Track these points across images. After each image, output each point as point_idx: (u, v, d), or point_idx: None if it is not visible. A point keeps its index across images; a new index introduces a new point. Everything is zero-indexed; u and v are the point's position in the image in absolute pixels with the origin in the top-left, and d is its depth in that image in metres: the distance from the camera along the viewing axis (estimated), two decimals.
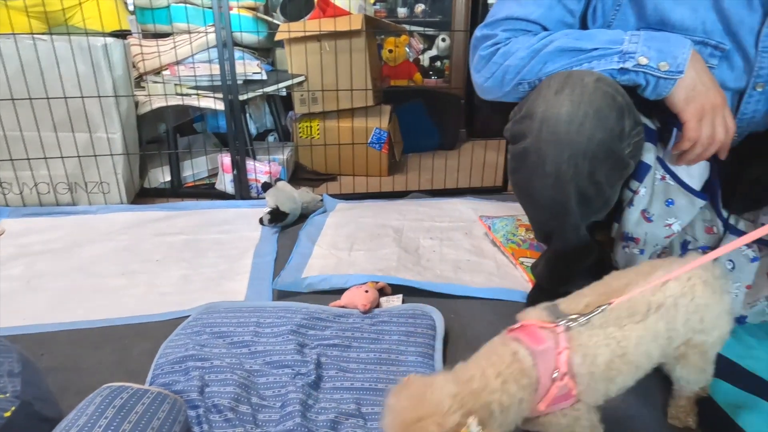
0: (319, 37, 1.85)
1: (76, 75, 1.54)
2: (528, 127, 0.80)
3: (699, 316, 0.65)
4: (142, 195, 1.81)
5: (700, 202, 0.87)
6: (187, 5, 1.75)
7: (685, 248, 0.92)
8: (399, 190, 1.84)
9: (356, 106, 1.95)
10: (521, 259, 1.27)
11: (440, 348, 0.95)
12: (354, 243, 1.39)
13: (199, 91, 1.71)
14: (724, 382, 0.79)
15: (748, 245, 0.88)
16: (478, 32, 0.89)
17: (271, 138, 2.21)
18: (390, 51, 2.51)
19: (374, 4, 2.59)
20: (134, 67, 1.84)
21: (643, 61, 0.77)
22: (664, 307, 0.63)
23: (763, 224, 0.85)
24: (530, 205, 0.93)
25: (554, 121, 0.76)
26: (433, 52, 2.64)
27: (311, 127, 2.01)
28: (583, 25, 0.87)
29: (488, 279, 1.22)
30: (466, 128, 2.58)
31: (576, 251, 0.94)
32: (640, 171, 0.86)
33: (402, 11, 2.61)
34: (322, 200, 1.68)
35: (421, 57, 2.64)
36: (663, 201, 0.87)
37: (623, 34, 0.79)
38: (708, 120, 0.76)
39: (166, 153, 1.80)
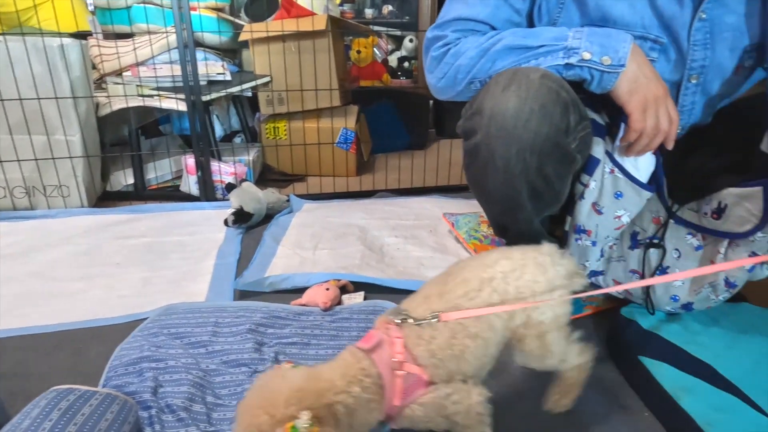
0: (283, 38, 1.85)
1: (31, 76, 1.51)
2: (478, 123, 0.82)
3: (530, 291, 0.66)
4: (104, 198, 1.77)
5: (647, 194, 0.90)
6: (147, 5, 1.73)
7: (634, 239, 0.95)
8: (366, 189, 1.85)
9: (322, 106, 1.96)
10: None
11: None
12: (319, 242, 1.39)
13: (161, 93, 1.69)
14: (670, 366, 0.81)
15: (692, 234, 0.91)
16: (429, 34, 0.91)
17: (238, 139, 2.20)
18: (358, 52, 2.51)
19: (341, 5, 2.60)
20: (95, 68, 1.81)
21: (587, 56, 0.79)
22: (495, 280, 0.66)
23: (705, 213, 0.89)
24: (484, 199, 0.95)
25: (501, 117, 0.78)
26: (401, 52, 2.66)
27: (278, 127, 2.00)
28: (530, 24, 0.89)
29: None
30: (435, 128, 2.61)
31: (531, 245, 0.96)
32: (590, 165, 0.89)
33: (369, 12, 2.62)
34: (288, 200, 1.67)
35: (389, 58, 2.66)
36: (612, 194, 0.89)
37: (567, 30, 0.81)
38: (652, 111, 0.79)
39: (129, 155, 1.77)
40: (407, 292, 1.12)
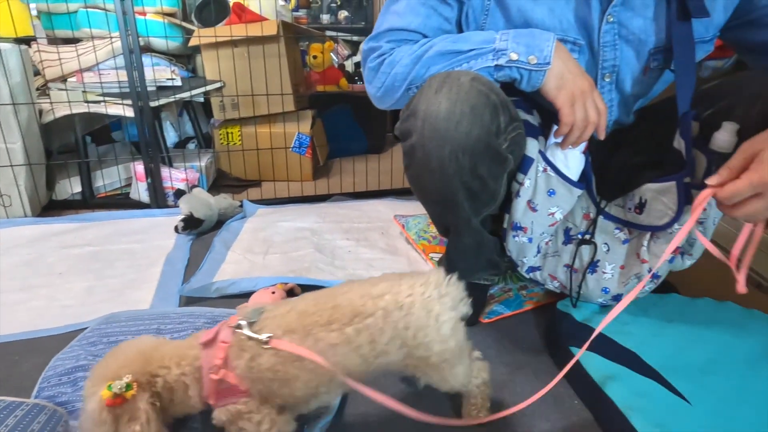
0: (234, 43, 1.84)
1: None
2: (413, 125, 0.84)
3: (411, 332, 0.62)
4: (50, 207, 1.72)
5: (578, 191, 0.94)
6: (90, 10, 1.70)
7: (567, 235, 0.99)
8: (322, 194, 1.86)
9: (275, 111, 1.95)
10: (431, 255, 1.31)
11: None
12: (270, 247, 1.39)
13: (107, 99, 1.66)
14: (598, 356, 0.85)
15: (619, 228, 0.96)
16: (365, 45, 0.93)
17: (192, 145, 2.17)
18: (315, 57, 2.52)
19: (295, 10, 2.60)
20: (39, 74, 1.76)
21: (514, 56, 0.82)
22: (371, 317, 0.61)
23: (629, 208, 0.94)
24: (424, 200, 0.97)
25: (434, 119, 0.80)
26: (358, 57, 2.68)
27: (232, 133, 1.99)
28: (459, 31, 0.92)
29: None
30: (392, 131, 2.63)
31: (470, 244, 0.99)
32: (525, 164, 0.92)
33: (325, 18, 2.63)
34: (241, 206, 1.67)
35: (346, 63, 2.67)
36: (545, 191, 0.93)
37: (495, 33, 0.85)
38: (580, 104, 0.82)
39: (75, 163, 1.73)
40: None
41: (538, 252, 0.99)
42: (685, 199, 0.83)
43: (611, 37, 0.88)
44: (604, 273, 0.96)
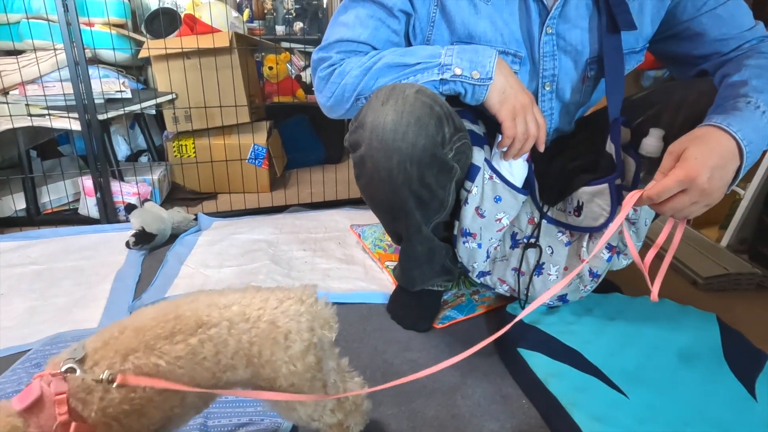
0: (186, 55, 1.82)
1: None
2: (361, 136, 0.86)
3: (257, 349, 0.58)
4: None
5: (522, 197, 0.98)
6: (32, 21, 1.65)
7: (514, 239, 1.03)
8: (279, 205, 1.85)
9: (232, 123, 1.94)
10: (387, 263, 1.33)
11: None
12: (225, 260, 1.37)
13: (53, 112, 1.61)
14: (543, 355, 0.88)
15: (562, 231, 1.00)
16: (315, 56, 0.94)
17: (144, 158, 2.12)
18: (270, 68, 2.51)
19: (250, 21, 2.60)
20: None
21: (458, 71, 0.85)
22: (215, 327, 0.57)
23: (569, 212, 0.98)
24: (375, 209, 0.99)
25: (381, 130, 0.82)
26: None
27: (186, 145, 1.96)
28: (407, 43, 0.95)
29: (355, 284, 1.26)
30: None
31: (422, 252, 1.01)
32: (472, 172, 0.95)
33: (280, 29, 2.63)
34: (195, 219, 1.64)
35: (302, 73, 2.68)
36: (492, 198, 0.96)
37: (440, 48, 0.88)
38: (521, 118, 0.86)
39: (18, 178, 1.66)
40: None
41: (488, 257, 1.02)
42: (618, 200, 0.88)
43: (550, 47, 0.92)
44: (550, 275, 1.01)
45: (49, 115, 1.60)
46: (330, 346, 0.65)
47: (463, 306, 1.14)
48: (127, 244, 1.45)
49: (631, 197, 0.74)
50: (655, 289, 0.76)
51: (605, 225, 0.90)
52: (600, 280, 0.98)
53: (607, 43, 0.90)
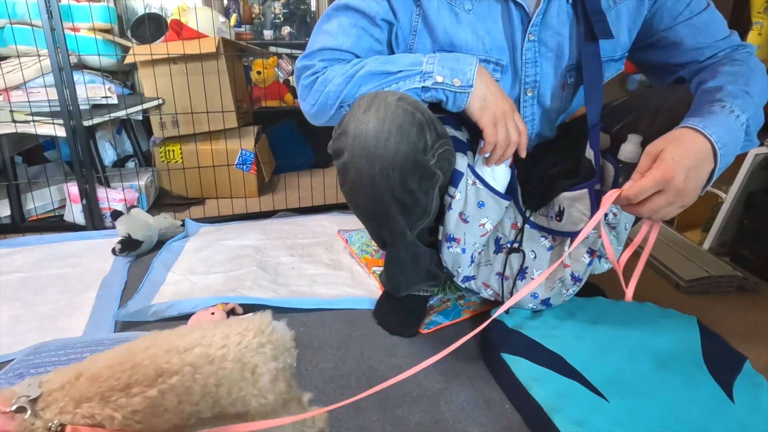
0: (172, 60, 1.82)
1: None
2: (344, 143, 0.86)
3: (225, 389, 0.56)
4: None
5: (505, 203, 0.99)
6: (16, 26, 1.64)
7: (498, 244, 1.04)
8: (266, 210, 1.85)
9: (216, 128, 1.94)
10: (374, 268, 1.33)
11: None
12: (211, 266, 1.37)
13: (37, 118, 1.60)
14: (525, 360, 0.89)
15: (544, 236, 1.01)
16: (299, 63, 0.95)
17: (131, 164, 2.11)
18: (258, 73, 2.51)
19: (238, 26, 2.60)
20: None
21: (440, 79, 0.87)
22: (177, 376, 0.54)
23: (551, 216, 0.99)
24: (359, 215, 1.00)
25: (363, 137, 0.83)
26: None
27: (173, 151, 1.96)
28: (390, 51, 0.96)
29: (341, 290, 1.26)
30: None
31: (407, 257, 1.02)
32: (455, 178, 0.96)
33: (268, 33, 2.63)
34: (182, 225, 1.64)
35: (290, 78, 2.68)
36: (475, 203, 0.97)
37: (422, 56, 0.89)
38: (502, 124, 0.87)
39: (3, 185, 1.65)
40: (298, 311, 1.16)
41: (472, 262, 1.03)
42: (597, 205, 0.89)
43: (532, 54, 0.94)
44: (533, 278, 1.02)
45: (33, 121, 1.59)
46: (291, 370, 0.63)
47: (448, 311, 1.15)
48: (113, 251, 1.44)
49: (609, 196, 0.76)
50: (630, 290, 0.78)
51: None
52: (582, 284, 1.00)
53: (585, 51, 0.91)
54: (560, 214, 0.96)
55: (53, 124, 1.59)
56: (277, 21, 2.65)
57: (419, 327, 1.10)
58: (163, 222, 1.57)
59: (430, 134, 0.87)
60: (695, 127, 0.75)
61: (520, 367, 0.88)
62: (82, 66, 1.80)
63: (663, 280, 1.36)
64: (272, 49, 2.56)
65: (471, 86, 0.86)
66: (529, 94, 0.97)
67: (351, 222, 1.69)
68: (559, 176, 0.98)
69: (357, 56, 0.93)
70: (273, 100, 2.56)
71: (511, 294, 1.03)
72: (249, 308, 1.16)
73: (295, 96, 2.67)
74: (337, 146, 0.90)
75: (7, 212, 1.68)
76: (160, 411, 0.53)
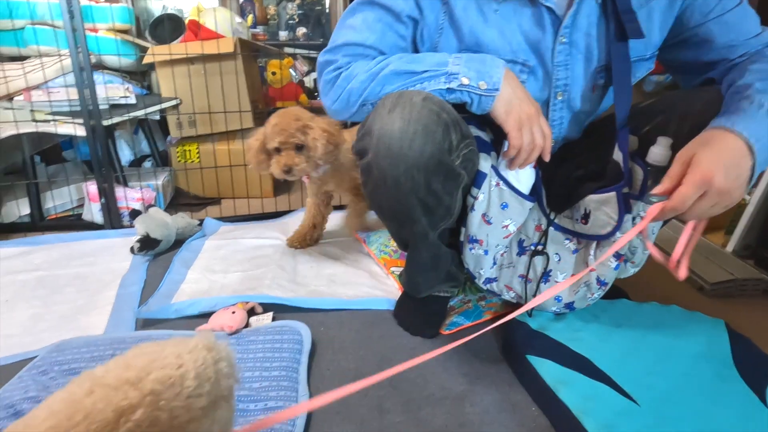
0: (190, 60, 1.82)
1: None
2: (368, 143, 0.86)
3: (186, 414, 0.50)
4: None
5: (529, 204, 0.97)
6: (38, 27, 1.65)
7: (521, 246, 1.02)
8: (283, 210, 1.85)
9: (233, 128, 1.94)
10: (392, 269, 1.32)
11: (305, 361, 0.97)
12: (230, 265, 1.37)
13: (58, 117, 1.61)
14: (552, 362, 0.88)
15: (569, 239, 1.00)
16: (321, 58, 0.94)
17: (147, 164, 2.13)
18: (273, 73, 2.52)
19: (253, 26, 2.61)
20: None
21: (465, 81, 0.85)
22: (141, 409, 0.47)
23: (576, 219, 0.98)
24: (381, 215, 0.99)
25: (388, 138, 0.82)
26: None
27: (189, 151, 1.96)
28: (414, 48, 0.95)
29: (360, 290, 1.26)
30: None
31: (429, 258, 1.01)
32: (478, 179, 0.95)
33: (283, 34, 2.64)
34: (200, 225, 1.64)
35: (305, 79, 2.69)
36: (499, 205, 0.96)
37: (448, 56, 0.87)
38: (527, 128, 0.86)
39: (22, 184, 1.66)
40: (317, 311, 1.16)
41: (494, 264, 1.02)
42: (625, 209, 0.88)
43: (563, 57, 0.92)
44: (557, 282, 1.00)
45: (54, 120, 1.60)
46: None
47: (470, 312, 1.14)
48: (132, 250, 1.44)
49: (653, 209, 0.74)
50: (683, 268, 0.76)
51: (612, 233, 0.90)
52: (607, 288, 0.98)
53: (615, 51, 0.90)
54: (586, 217, 0.95)
55: (73, 123, 1.60)
56: (291, 22, 2.65)
57: (440, 328, 1.09)
58: (181, 221, 1.57)
59: (455, 134, 0.86)
60: (724, 127, 0.73)
61: (546, 369, 0.86)
62: (100, 66, 1.81)
63: (685, 284, 1.34)
64: (287, 50, 2.57)
65: (497, 89, 0.84)
66: (560, 98, 0.96)
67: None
68: (585, 178, 0.96)
69: (381, 52, 0.92)
70: (287, 100, 2.57)
71: (534, 296, 1.01)
72: (269, 307, 1.16)
73: (309, 97, 2.68)
74: (360, 146, 0.89)
75: (27, 211, 1.70)
76: None
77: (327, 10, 2.58)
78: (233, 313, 1.07)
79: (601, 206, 0.91)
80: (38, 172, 1.74)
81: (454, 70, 0.86)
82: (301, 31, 2.63)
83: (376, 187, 0.89)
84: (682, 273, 0.76)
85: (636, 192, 0.87)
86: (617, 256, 0.94)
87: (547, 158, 0.90)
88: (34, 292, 1.26)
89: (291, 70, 2.61)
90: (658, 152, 0.83)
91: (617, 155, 0.90)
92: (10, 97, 1.68)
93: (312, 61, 2.71)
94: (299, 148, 1.25)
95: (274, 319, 1.12)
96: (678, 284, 1.34)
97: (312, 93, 2.70)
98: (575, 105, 0.97)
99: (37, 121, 1.61)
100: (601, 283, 0.97)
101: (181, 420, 0.49)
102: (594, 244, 0.95)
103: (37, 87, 1.66)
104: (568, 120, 0.99)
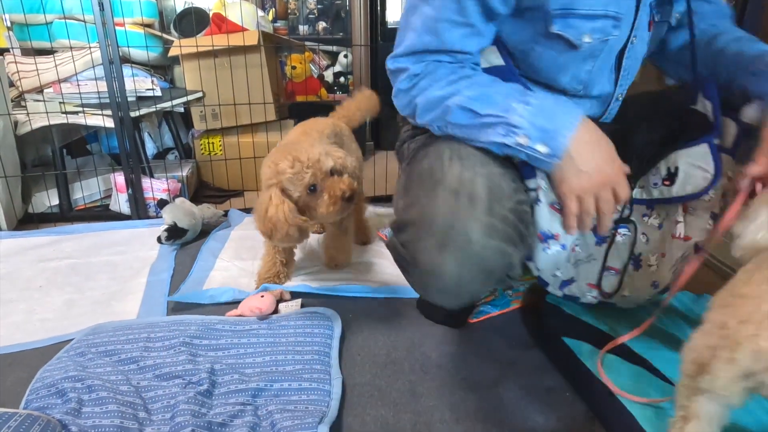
0: (215, 53, 1.84)
1: None
2: (414, 248, 0.76)
3: None
4: (26, 221, 1.68)
5: None
6: (68, 21, 1.68)
7: (596, 234, 0.87)
8: None
9: (257, 121, 1.95)
10: None
11: (336, 345, 0.97)
12: (258, 253, 1.38)
13: (87, 109, 1.63)
14: (590, 345, 0.88)
15: (647, 214, 0.88)
16: (391, 65, 0.83)
17: (171, 156, 2.15)
18: (294, 67, 2.53)
19: (274, 21, 2.62)
20: (13, 85, 1.73)
21: (523, 141, 0.72)
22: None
23: (655, 184, 0.86)
24: (426, 296, 0.87)
25: (440, 278, 0.74)
26: (337, 68, 2.70)
27: (213, 143, 1.98)
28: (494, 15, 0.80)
29: (387, 278, 1.26)
30: (372, 140, 2.66)
31: None
32: (527, 171, 0.79)
33: (304, 28, 2.65)
34: (224, 215, 1.65)
35: (324, 73, 2.69)
36: None
37: (517, 99, 0.74)
38: (589, 196, 0.74)
39: (52, 175, 1.69)
40: (344, 298, 1.16)
41: (568, 261, 0.87)
42: (719, 161, 0.79)
43: None
44: (650, 265, 0.88)
45: (83, 112, 1.63)
46: None
47: (497, 301, 1.13)
48: (159, 239, 1.46)
49: (748, 185, 0.69)
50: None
51: (707, 190, 0.80)
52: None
53: None
54: (670, 177, 0.83)
55: (102, 115, 1.62)
56: (311, 17, 2.66)
57: (466, 319, 1.08)
58: (207, 212, 1.59)
59: (521, 248, 0.76)
60: None
61: (585, 351, 0.86)
62: (126, 60, 1.84)
63: (722, 280, 1.31)
64: (307, 44, 2.58)
65: (557, 157, 0.72)
66: (634, 42, 0.85)
67: (387, 214, 1.68)
68: (664, 138, 0.86)
69: (453, 51, 0.79)
70: (307, 94, 2.57)
71: (619, 287, 0.88)
72: (296, 295, 1.17)
73: (329, 91, 2.69)
74: (404, 239, 0.78)
75: (56, 201, 1.73)
76: None
77: (347, 5, 2.58)
78: (262, 296, 1.08)
79: (693, 160, 0.81)
80: (66, 164, 1.77)
81: (515, 122, 0.72)
82: (321, 25, 2.63)
83: (424, 283, 0.80)
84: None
85: (728, 146, 0.80)
86: (714, 216, 0.82)
87: (602, 231, 0.78)
88: (68, 278, 1.28)
89: (311, 64, 2.62)
90: (752, 112, 0.77)
91: (703, 105, 0.83)
92: (40, 90, 1.71)
93: (332, 55, 2.71)
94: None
95: (302, 305, 1.13)
96: (714, 281, 1.31)
97: (331, 87, 2.71)
98: (642, 47, 0.88)
99: (66, 113, 1.63)
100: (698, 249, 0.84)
101: None
102: (680, 210, 0.85)
103: (66, 79, 1.69)
104: (635, 65, 0.89)
